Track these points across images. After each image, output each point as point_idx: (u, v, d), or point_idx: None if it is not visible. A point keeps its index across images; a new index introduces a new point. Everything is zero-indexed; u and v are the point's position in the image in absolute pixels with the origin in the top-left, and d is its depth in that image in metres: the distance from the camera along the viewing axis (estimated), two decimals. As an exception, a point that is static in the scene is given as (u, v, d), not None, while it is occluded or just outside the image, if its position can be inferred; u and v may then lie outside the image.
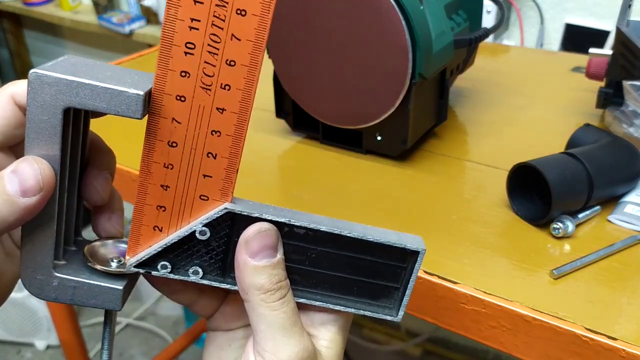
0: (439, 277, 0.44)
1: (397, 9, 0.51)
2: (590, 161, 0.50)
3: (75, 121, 0.28)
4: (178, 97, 0.26)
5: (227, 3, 0.24)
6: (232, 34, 0.25)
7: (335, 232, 0.29)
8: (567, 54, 0.94)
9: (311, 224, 0.28)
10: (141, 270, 0.29)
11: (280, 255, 0.28)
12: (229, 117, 0.26)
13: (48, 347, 1.51)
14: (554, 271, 0.44)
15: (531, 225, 0.50)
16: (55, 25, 2.06)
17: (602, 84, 0.66)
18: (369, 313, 0.31)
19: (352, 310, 0.31)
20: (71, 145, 0.28)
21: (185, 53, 0.25)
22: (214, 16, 0.25)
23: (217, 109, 0.26)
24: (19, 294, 1.41)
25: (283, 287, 0.29)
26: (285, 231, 0.29)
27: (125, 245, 0.30)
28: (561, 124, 0.68)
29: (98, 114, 0.29)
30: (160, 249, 0.28)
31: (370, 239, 0.29)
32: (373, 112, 0.57)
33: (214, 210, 0.28)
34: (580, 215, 0.50)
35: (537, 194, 0.51)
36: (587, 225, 0.50)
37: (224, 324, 0.34)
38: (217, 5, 0.24)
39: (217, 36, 0.25)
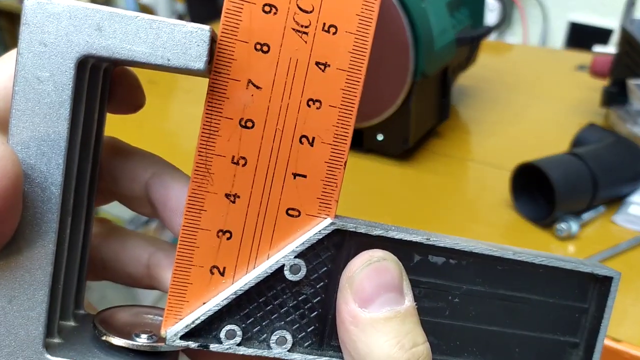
0: (440, 278, 0.44)
1: (398, 6, 0.51)
2: (594, 161, 0.49)
3: (91, 88, 0.18)
4: (258, 47, 0.17)
5: None
6: None
7: (495, 254, 0.19)
8: (571, 51, 0.93)
9: (459, 245, 0.19)
10: (192, 344, 0.18)
11: (409, 302, 0.18)
12: (334, 76, 0.17)
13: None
14: (557, 273, 0.43)
15: (535, 225, 0.50)
16: (55, 23, 2.06)
17: (607, 82, 0.66)
18: None
19: None
20: (83, 132, 0.18)
21: None
22: None
23: (317, 63, 0.17)
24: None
25: (422, 356, 0.17)
26: (416, 262, 0.19)
27: (156, 317, 0.21)
28: (565, 123, 0.67)
29: (124, 80, 0.20)
30: (225, 304, 0.18)
31: (544, 262, 0.19)
32: (374, 111, 0.57)
33: (314, 229, 0.18)
34: (584, 216, 0.49)
35: (540, 194, 0.51)
36: (591, 226, 0.50)
37: None
38: None
39: None
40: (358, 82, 0.18)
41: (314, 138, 0.18)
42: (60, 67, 0.16)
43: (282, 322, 0.18)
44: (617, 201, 0.52)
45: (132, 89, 0.20)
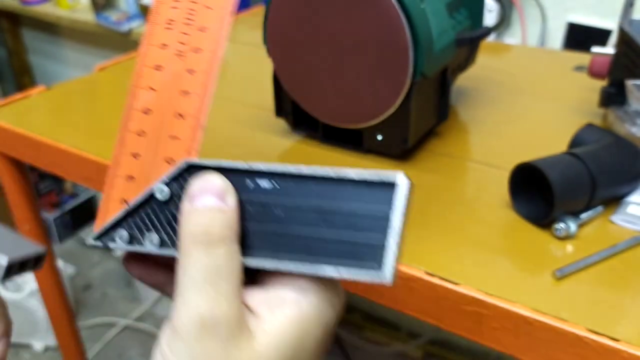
0: (440, 278, 0.44)
1: (397, 7, 0.51)
2: (592, 161, 0.49)
3: None
4: (157, 68, 0.29)
5: None
6: (205, 5, 0.29)
7: (304, 173, 0.25)
8: (570, 52, 0.93)
9: (273, 168, 0.25)
10: (99, 243, 0.29)
11: (228, 206, 0.25)
12: (198, 77, 0.28)
13: (46, 348, 1.51)
14: (556, 272, 0.43)
15: (533, 225, 0.50)
16: (53, 24, 2.06)
17: (605, 82, 0.66)
18: (347, 274, 0.24)
19: (326, 273, 0.25)
20: None
21: (166, 26, 0.30)
22: None
23: (188, 70, 0.29)
24: (17, 294, 1.41)
25: (226, 238, 0.24)
26: (250, 188, 0.26)
27: None
28: (563, 123, 0.67)
29: None
30: (119, 218, 0.28)
31: (344, 176, 0.25)
32: (373, 111, 0.57)
33: (175, 167, 0.27)
34: (582, 216, 0.49)
35: (539, 194, 0.51)
36: (590, 226, 0.50)
37: None
38: None
39: (194, 10, 0.29)
40: (212, 78, 0.29)
41: (184, 114, 0.28)
42: None
43: (154, 228, 0.27)
44: (615, 201, 0.52)
45: None
